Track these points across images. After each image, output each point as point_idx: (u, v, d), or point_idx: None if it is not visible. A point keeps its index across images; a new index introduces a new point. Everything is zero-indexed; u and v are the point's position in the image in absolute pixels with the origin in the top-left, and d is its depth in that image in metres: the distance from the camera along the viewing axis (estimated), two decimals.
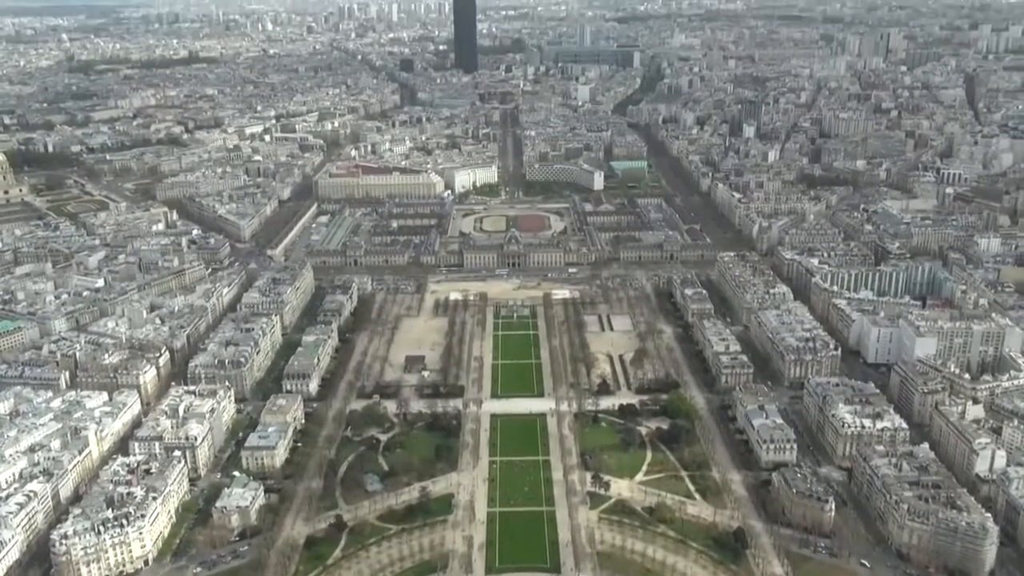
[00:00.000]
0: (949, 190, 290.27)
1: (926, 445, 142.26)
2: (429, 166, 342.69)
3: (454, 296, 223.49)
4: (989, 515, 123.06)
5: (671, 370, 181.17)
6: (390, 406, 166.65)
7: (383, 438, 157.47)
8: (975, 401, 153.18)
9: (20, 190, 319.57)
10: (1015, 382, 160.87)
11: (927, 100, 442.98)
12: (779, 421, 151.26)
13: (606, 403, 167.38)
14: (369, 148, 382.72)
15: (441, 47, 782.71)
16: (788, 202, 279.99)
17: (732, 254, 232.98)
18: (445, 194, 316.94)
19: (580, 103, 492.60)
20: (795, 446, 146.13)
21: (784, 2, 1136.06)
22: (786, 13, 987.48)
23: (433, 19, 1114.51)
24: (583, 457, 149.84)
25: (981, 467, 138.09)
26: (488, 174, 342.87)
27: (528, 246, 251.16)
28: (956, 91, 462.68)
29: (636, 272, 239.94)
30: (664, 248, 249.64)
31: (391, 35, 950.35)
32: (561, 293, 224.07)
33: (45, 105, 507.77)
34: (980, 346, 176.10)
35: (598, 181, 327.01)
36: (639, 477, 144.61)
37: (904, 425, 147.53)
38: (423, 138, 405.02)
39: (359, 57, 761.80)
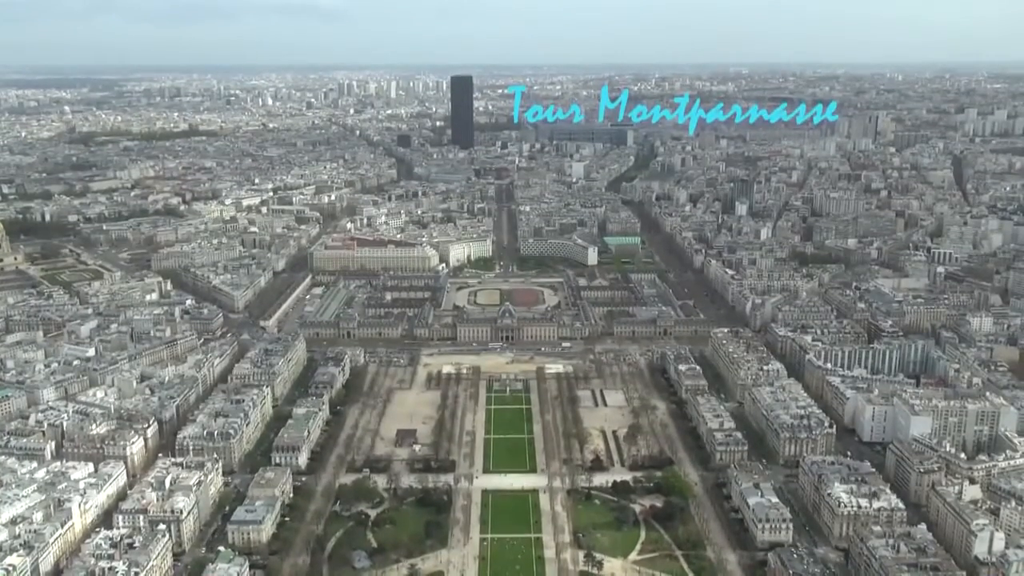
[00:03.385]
0: (940, 269, 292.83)
1: (923, 526, 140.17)
2: (424, 239, 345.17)
3: (447, 369, 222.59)
4: None
5: (665, 446, 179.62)
6: (380, 480, 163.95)
7: (372, 513, 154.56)
8: (972, 481, 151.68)
9: (15, 258, 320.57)
10: (1012, 462, 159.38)
11: (916, 181, 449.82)
12: (775, 500, 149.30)
13: (600, 479, 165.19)
14: (365, 221, 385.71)
15: (438, 123, 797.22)
16: (781, 279, 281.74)
17: (726, 330, 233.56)
18: (440, 267, 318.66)
19: (574, 180, 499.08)
20: (791, 526, 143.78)
21: (774, 84, 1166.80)
22: (776, 95, 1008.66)
23: (431, 96, 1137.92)
24: (576, 535, 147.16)
25: (980, 549, 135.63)
26: (483, 248, 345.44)
27: (522, 320, 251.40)
28: (944, 172, 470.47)
29: (630, 347, 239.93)
30: (658, 323, 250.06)
31: (389, 111, 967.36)
32: (554, 367, 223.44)
33: (44, 175, 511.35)
34: (975, 426, 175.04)
35: (592, 256, 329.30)
36: (633, 556, 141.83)
37: (901, 505, 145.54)
38: (419, 212, 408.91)
39: (357, 132, 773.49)
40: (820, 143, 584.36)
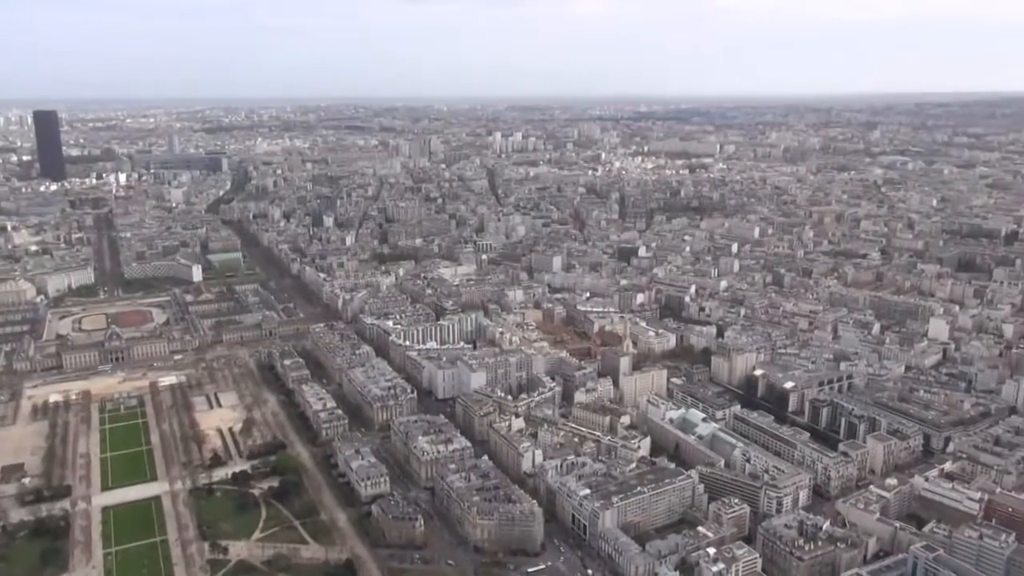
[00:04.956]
0: (484, 256, 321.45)
1: (486, 457, 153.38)
2: (17, 273, 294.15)
3: (54, 398, 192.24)
4: (535, 501, 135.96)
5: (278, 433, 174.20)
6: None
7: None
8: (517, 415, 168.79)
9: None
10: (543, 396, 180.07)
11: (462, 189, 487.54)
12: (373, 460, 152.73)
13: (220, 474, 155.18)
14: None
15: (25, 157, 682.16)
16: (365, 277, 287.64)
17: (322, 325, 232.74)
18: (38, 299, 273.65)
19: (175, 204, 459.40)
20: (388, 479, 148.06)
21: (348, 115, 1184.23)
22: (351, 124, 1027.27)
23: (14, 131, 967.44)
24: (201, 529, 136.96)
25: (526, 465, 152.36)
26: (84, 276, 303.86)
27: (131, 340, 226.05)
28: (482, 182, 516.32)
29: (239, 351, 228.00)
30: (263, 327, 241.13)
31: None
32: (168, 380, 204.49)
33: None
34: (516, 372, 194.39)
35: (197, 273, 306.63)
36: (256, 535, 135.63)
37: (469, 444, 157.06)
38: (9, 247, 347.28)
39: None
40: (388, 162, 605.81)
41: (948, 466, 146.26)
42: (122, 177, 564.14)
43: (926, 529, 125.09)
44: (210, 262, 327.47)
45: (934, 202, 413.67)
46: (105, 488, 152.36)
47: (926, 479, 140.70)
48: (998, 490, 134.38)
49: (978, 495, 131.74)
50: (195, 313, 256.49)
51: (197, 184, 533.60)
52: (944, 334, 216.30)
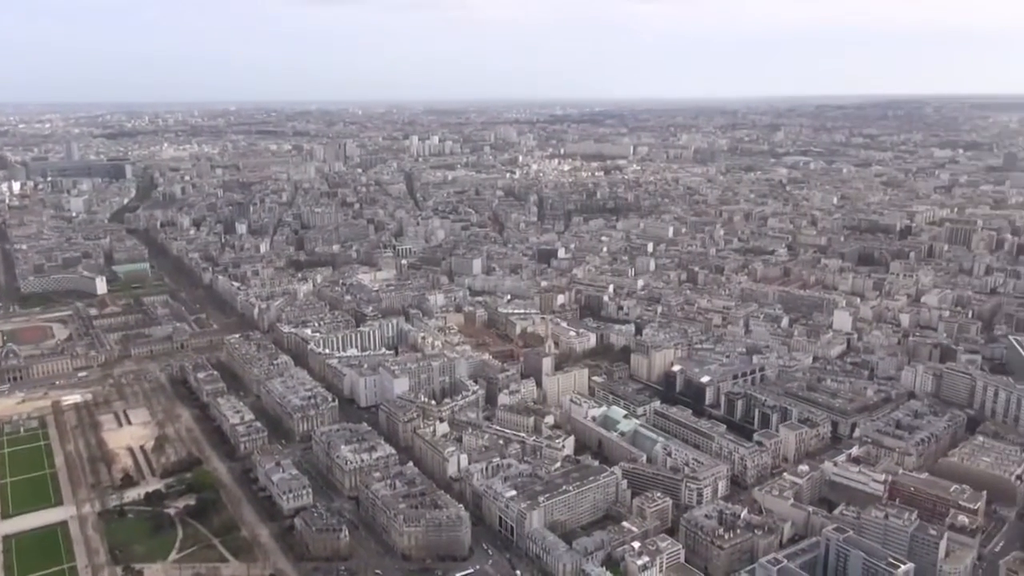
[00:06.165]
0: (404, 261, 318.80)
1: (411, 463, 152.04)
2: None
3: None
4: (461, 505, 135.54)
5: (193, 449, 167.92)
6: None
7: None
8: (441, 420, 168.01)
9: None
10: (466, 399, 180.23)
11: (380, 194, 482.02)
12: (295, 472, 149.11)
13: (132, 494, 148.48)
14: None
15: None
16: (281, 285, 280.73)
17: (237, 335, 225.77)
18: None
19: (75, 214, 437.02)
20: (310, 490, 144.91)
21: (259, 119, 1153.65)
22: (262, 128, 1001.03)
23: None
24: (112, 553, 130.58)
25: (452, 470, 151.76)
26: None
27: (29, 358, 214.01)
28: (400, 186, 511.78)
29: (149, 365, 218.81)
30: (174, 339, 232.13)
31: None
32: (72, 398, 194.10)
33: None
34: (439, 377, 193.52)
35: (101, 286, 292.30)
36: (172, 556, 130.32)
37: (393, 451, 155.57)
38: None
39: None
40: (303, 167, 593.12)
41: (855, 451, 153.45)
42: (15, 185, 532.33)
43: (836, 512, 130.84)
44: (115, 273, 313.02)
45: (835, 200, 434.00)
46: (6, 516, 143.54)
47: (835, 464, 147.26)
48: (900, 471, 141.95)
49: (882, 477, 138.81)
50: (100, 327, 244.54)
51: (99, 192, 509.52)
52: (847, 325, 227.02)
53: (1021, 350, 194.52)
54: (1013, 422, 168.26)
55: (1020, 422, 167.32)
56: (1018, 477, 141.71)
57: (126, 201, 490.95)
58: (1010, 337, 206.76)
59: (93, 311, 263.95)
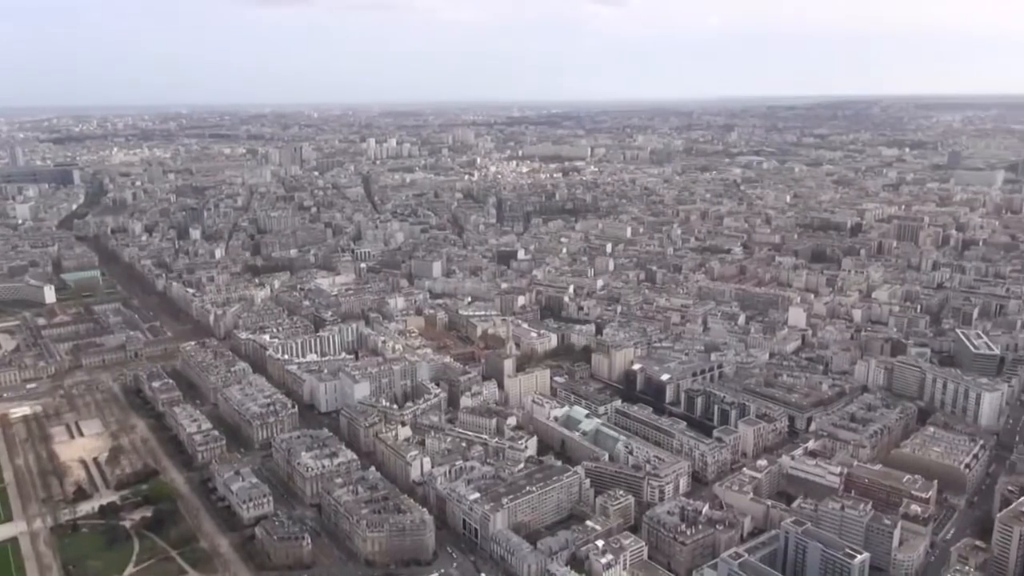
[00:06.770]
0: (363, 265, 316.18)
1: (373, 468, 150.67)
2: None
3: None
4: (425, 510, 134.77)
5: (149, 460, 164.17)
6: None
7: None
8: (403, 424, 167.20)
9: None
10: (428, 403, 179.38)
11: (337, 197, 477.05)
12: (255, 481, 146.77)
13: (85, 508, 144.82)
14: None
15: None
16: (238, 290, 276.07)
17: (193, 343, 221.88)
18: None
19: (21, 221, 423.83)
20: (271, 499, 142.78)
21: (212, 122, 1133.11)
22: (215, 132, 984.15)
23: None
24: (66, 568, 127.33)
25: (415, 474, 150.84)
26: None
27: None
28: (357, 189, 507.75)
29: (102, 375, 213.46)
30: (127, 348, 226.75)
31: None
32: (20, 411, 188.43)
33: None
34: (401, 380, 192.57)
35: (49, 295, 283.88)
36: (129, 570, 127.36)
37: (355, 457, 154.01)
38: None
39: None
40: (258, 171, 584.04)
41: (811, 444, 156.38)
42: None
43: (795, 505, 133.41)
44: (64, 282, 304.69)
45: (788, 198, 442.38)
46: None
47: (792, 458, 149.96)
48: (855, 463, 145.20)
49: (838, 469, 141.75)
50: (49, 337, 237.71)
51: (46, 198, 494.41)
52: (802, 321, 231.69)
53: (967, 342, 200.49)
54: (961, 413, 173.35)
55: (968, 412, 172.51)
56: (967, 466, 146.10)
57: (75, 207, 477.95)
58: (957, 330, 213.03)
59: (42, 321, 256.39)
